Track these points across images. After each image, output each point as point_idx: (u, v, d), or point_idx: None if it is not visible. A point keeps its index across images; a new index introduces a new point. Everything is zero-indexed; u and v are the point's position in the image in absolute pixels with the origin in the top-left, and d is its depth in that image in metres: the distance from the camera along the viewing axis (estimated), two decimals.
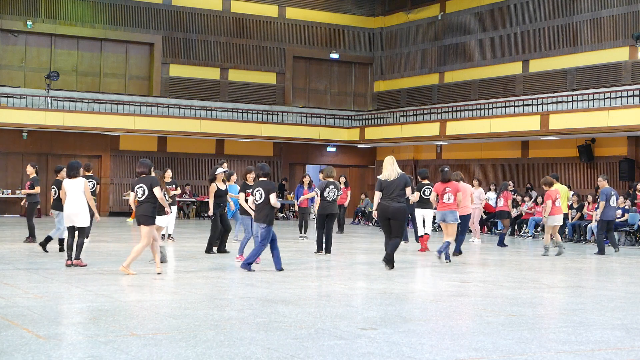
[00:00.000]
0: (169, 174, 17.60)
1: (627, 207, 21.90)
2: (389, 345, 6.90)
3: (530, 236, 23.69)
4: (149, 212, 11.65)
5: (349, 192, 24.10)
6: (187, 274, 12.01)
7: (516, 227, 24.60)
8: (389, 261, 13.08)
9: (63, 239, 14.87)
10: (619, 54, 27.42)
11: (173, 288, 10.47)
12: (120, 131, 30.07)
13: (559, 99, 26.35)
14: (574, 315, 8.93)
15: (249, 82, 34.70)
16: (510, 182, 26.88)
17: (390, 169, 13.13)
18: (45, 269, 12.22)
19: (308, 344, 6.86)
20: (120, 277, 11.28)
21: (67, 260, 12.51)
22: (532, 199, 24.29)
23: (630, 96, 24.28)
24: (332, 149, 34.68)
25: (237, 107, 32.39)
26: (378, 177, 13.33)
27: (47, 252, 14.67)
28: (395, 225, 13.08)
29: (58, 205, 14.72)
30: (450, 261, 14.62)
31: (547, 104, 26.68)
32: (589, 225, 22.15)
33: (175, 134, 30.93)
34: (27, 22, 30.99)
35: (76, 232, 12.76)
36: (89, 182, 15.61)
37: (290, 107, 34.20)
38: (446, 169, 15.41)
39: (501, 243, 19.56)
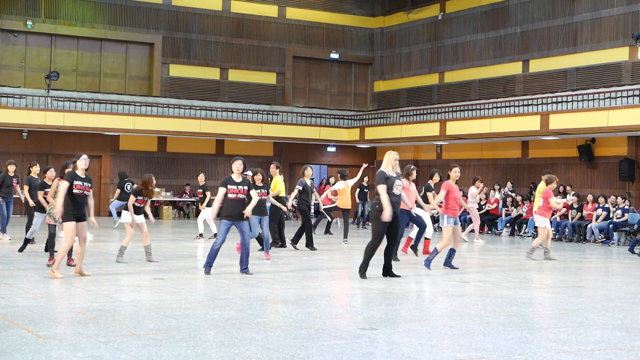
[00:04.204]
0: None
1: (626, 207, 21.92)
2: (389, 345, 6.90)
3: (530, 236, 23.68)
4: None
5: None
6: (187, 274, 12.02)
7: (516, 227, 24.61)
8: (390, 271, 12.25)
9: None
10: (619, 54, 27.40)
11: (173, 288, 10.46)
12: (120, 131, 30.06)
13: (559, 99, 26.33)
14: (574, 315, 8.93)
15: (249, 82, 34.68)
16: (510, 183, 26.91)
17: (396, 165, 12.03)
18: (45, 269, 12.22)
19: (308, 344, 6.86)
20: (120, 277, 11.28)
21: (51, 258, 12.63)
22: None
23: (630, 96, 24.26)
24: (332, 149, 34.67)
25: (237, 107, 32.38)
26: (382, 169, 11.82)
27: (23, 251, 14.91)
28: (398, 226, 12.07)
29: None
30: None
31: (547, 104, 26.66)
32: (588, 226, 22.16)
33: (175, 134, 30.92)
34: (27, 22, 30.97)
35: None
36: None
37: (290, 107, 34.19)
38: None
39: (632, 249, 18.44)
